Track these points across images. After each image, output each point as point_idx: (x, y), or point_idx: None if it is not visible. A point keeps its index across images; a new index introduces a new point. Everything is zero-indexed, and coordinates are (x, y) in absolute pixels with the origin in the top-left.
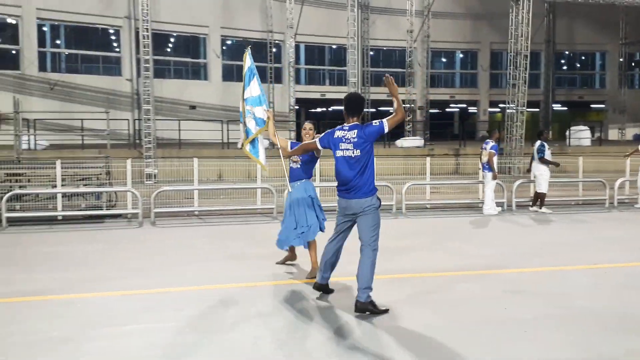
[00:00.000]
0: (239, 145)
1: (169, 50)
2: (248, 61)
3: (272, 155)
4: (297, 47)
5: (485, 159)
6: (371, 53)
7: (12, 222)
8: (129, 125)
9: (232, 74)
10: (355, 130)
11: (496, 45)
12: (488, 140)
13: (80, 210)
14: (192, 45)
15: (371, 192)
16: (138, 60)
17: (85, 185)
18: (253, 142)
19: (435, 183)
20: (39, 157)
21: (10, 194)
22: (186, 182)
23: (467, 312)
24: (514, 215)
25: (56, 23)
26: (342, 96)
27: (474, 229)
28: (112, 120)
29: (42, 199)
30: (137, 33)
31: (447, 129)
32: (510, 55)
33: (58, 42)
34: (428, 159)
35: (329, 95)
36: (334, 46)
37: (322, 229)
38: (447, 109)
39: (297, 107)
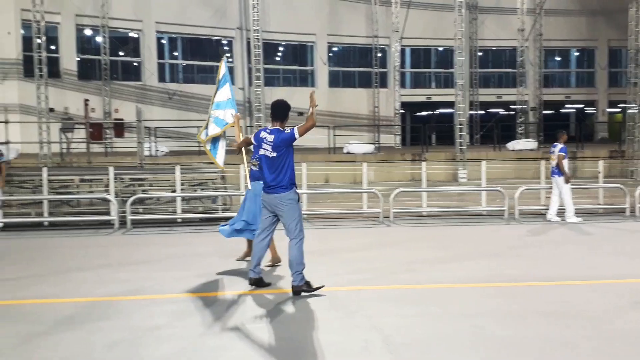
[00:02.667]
0: (197, 138)
1: (277, 58)
2: (223, 68)
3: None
4: (402, 51)
5: (554, 162)
6: (479, 54)
7: (135, 224)
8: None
9: (338, 80)
10: (273, 136)
11: (615, 42)
12: (556, 142)
13: (198, 213)
14: (299, 53)
15: (289, 187)
16: (249, 70)
17: (202, 189)
18: (214, 141)
19: (549, 188)
20: (160, 163)
21: (134, 197)
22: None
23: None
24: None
25: (174, 36)
26: (449, 99)
27: (596, 236)
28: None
29: (162, 202)
30: (248, 43)
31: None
32: (631, 53)
33: (175, 53)
34: (542, 162)
35: (435, 98)
36: (440, 48)
37: None
38: (562, 110)
39: (402, 111)
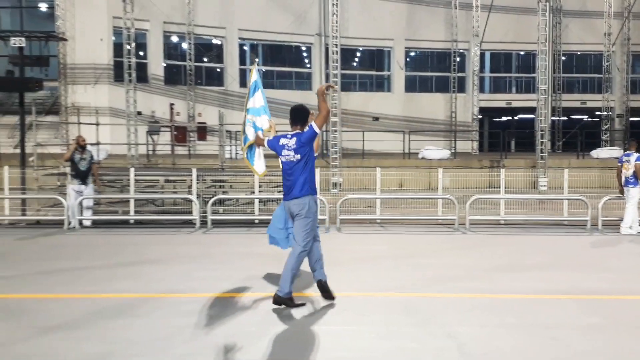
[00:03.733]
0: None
1: (354, 64)
2: (255, 75)
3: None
4: (481, 55)
5: (630, 172)
6: (563, 58)
7: (215, 223)
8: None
9: (415, 85)
10: (295, 138)
11: None
12: (629, 152)
13: None
14: (376, 58)
15: (310, 191)
16: (327, 75)
17: (279, 191)
18: (251, 148)
19: None
20: (239, 166)
21: (215, 198)
22: (368, 191)
23: None
24: None
25: (255, 42)
26: (530, 104)
27: None
28: None
29: (241, 203)
30: (326, 49)
31: None
32: None
33: (256, 59)
34: None
35: (515, 104)
36: (521, 52)
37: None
38: None
39: (480, 117)
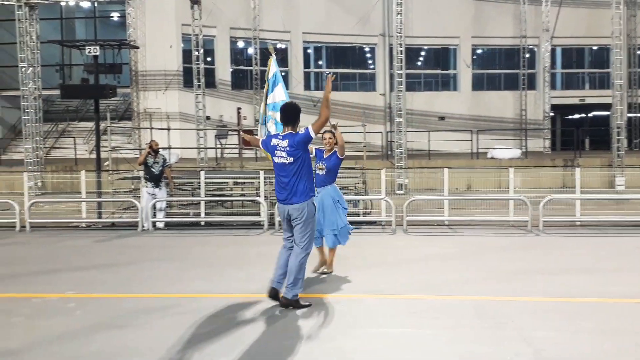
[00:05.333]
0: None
1: (419, 63)
2: (273, 67)
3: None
4: (552, 51)
5: None
6: (639, 52)
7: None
8: (382, 138)
9: (482, 83)
10: (287, 140)
11: None
12: None
13: None
14: (442, 56)
15: (306, 196)
16: (391, 76)
17: (344, 193)
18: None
19: None
20: None
21: None
22: (435, 192)
23: None
24: None
25: (319, 45)
26: (605, 101)
27: None
28: (367, 133)
29: None
30: (390, 49)
31: None
32: None
33: (320, 62)
34: None
35: (588, 100)
36: (594, 47)
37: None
38: None
39: (552, 114)
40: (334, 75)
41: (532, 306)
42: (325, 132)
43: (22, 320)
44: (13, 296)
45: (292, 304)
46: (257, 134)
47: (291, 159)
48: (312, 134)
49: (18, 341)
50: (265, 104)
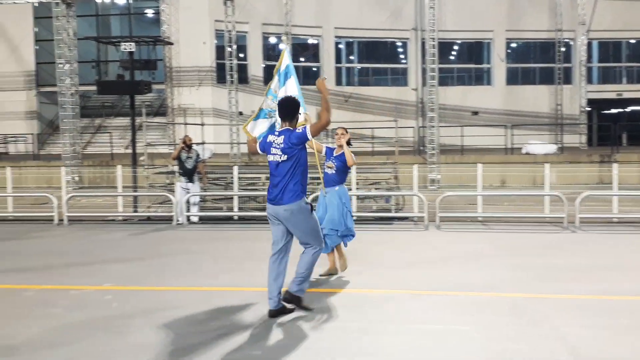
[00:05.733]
0: (243, 129)
1: (452, 57)
2: (286, 59)
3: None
4: (589, 44)
5: None
6: None
7: None
8: (414, 133)
9: (517, 77)
10: (283, 136)
11: None
12: None
13: (372, 211)
14: (475, 50)
15: (299, 196)
16: (423, 70)
17: (376, 189)
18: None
19: None
20: None
21: (313, 195)
22: (468, 188)
23: None
24: None
25: (350, 40)
26: None
27: None
28: (399, 128)
29: None
30: (423, 44)
31: None
32: None
33: (352, 57)
34: None
35: (626, 95)
36: (632, 41)
37: (353, 235)
38: None
39: (588, 109)
40: (326, 78)
41: (568, 304)
42: (338, 127)
43: (60, 312)
44: (52, 288)
45: (295, 300)
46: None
47: (285, 157)
48: (309, 136)
49: (56, 332)
50: (265, 96)
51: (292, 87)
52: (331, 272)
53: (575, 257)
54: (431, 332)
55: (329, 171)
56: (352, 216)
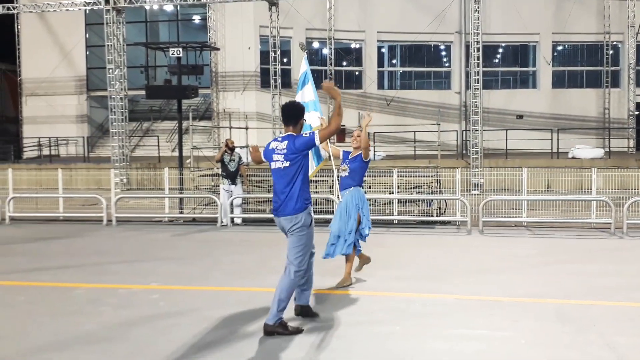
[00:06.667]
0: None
1: (496, 60)
2: (304, 65)
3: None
4: (637, 47)
5: None
6: None
7: None
8: (457, 136)
9: (563, 80)
10: (287, 142)
11: None
12: None
13: (413, 215)
14: (520, 53)
15: (302, 206)
16: (467, 73)
17: (418, 192)
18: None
19: None
20: (378, 167)
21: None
22: (512, 192)
23: None
24: None
25: (393, 44)
26: None
27: None
28: (442, 132)
29: (380, 203)
30: (467, 47)
31: None
32: None
33: (394, 61)
34: None
35: None
36: None
37: (362, 236)
38: None
39: (637, 113)
40: (332, 79)
41: (615, 311)
42: (355, 129)
43: (109, 310)
44: (101, 286)
45: (278, 330)
46: None
47: (287, 163)
48: (317, 141)
49: (105, 330)
50: None
51: (308, 93)
52: (345, 284)
53: (623, 264)
54: (476, 337)
55: (343, 174)
56: (369, 219)
